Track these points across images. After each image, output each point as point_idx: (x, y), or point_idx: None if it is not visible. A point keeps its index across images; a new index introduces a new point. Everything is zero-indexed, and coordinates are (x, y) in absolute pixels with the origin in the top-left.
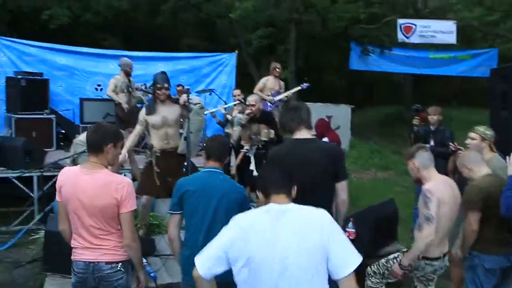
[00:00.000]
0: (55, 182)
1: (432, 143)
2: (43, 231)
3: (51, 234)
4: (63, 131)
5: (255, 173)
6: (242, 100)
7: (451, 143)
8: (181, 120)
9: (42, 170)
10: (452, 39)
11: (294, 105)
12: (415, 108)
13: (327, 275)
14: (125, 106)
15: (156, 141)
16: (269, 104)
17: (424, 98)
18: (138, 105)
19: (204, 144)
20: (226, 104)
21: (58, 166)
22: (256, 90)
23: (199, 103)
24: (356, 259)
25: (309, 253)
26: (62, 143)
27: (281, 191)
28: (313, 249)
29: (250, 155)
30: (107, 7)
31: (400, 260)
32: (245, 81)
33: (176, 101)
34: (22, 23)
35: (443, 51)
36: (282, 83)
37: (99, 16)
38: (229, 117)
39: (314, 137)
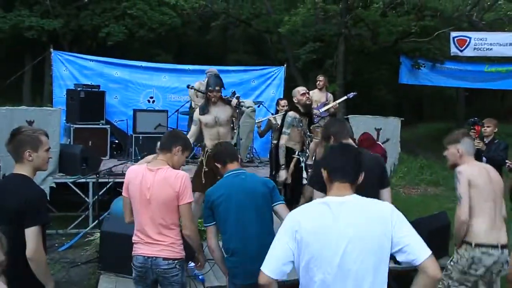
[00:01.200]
0: (109, 188)
1: (483, 158)
2: (98, 233)
3: (106, 234)
4: (117, 141)
5: (305, 181)
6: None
7: (508, 161)
8: (233, 122)
9: (97, 176)
10: (510, 51)
11: (341, 118)
12: (472, 121)
13: (387, 268)
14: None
15: (208, 140)
16: (314, 116)
17: (478, 114)
18: None
19: (213, 156)
20: (272, 115)
21: (112, 173)
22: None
23: (251, 107)
24: (427, 247)
25: (370, 245)
26: (115, 152)
27: (347, 179)
28: (375, 241)
29: (302, 161)
30: (160, 24)
31: (451, 258)
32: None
33: (228, 102)
34: (82, 40)
35: (500, 65)
36: (330, 95)
37: (152, 32)
38: (273, 121)
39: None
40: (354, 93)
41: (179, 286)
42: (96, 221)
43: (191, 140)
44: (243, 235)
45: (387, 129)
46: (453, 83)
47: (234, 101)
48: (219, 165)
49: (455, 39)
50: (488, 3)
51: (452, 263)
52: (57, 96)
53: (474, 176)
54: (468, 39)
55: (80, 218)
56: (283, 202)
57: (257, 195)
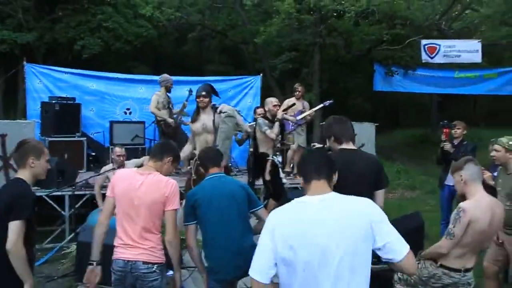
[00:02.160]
0: (86, 201)
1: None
2: (75, 245)
3: (83, 245)
4: (93, 153)
5: (284, 180)
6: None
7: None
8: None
9: (74, 189)
10: (477, 58)
11: (344, 118)
12: (441, 124)
13: (370, 264)
14: (170, 120)
15: (197, 148)
16: (291, 123)
17: (451, 120)
18: (183, 119)
19: (197, 160)
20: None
21: (88, 186)
22: (280, 111)
23: (226, 112)
24: (405, 243)
25: (350, 241)
26: (92, 165)
27: (322, 177)
28: (355, 237)
29: (278, 162)
30: (136, 36)
31: (418, 262)
32: None
33: (215, 109)
34: (57, 53)
35: (469, 70)
36: (306, 103)
37: (129, 44)
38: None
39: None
40: (331, 101)
41: None
42: (73, 234)
43: (191, 149)
44: (225, 232)
45: (362, 135)
46: (425, 89)
47: (220, 108)
48: (202, 169)
49: (426, 46)
50: (456, 13)
51: (417, 265)
52: (31, 109)
53: (476, 219)
54: (438, 47)
55: (56, 232)
56: (263, 206)
57: (236, 196)
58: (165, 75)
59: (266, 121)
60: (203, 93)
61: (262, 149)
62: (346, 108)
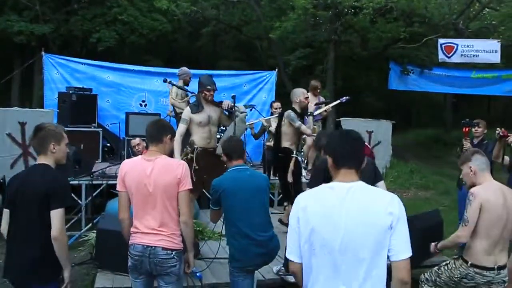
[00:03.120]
0: (102, 191)
1: None
2: (93, 233)
3: (103, 232)
4: (109, 144)
5: (304, 180)
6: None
7: (498, 128)
8: (223, 126)
9: (91, 177)
10: (496, 58)
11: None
12: (463, 123)
13: (386, 256)
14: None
15: (199, 139)
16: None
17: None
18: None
19: (222, 148)
20: (264, 117)
21: (105, 176)
22: (312, 104)
23: (245, 112)
24: (410, 249)
25: (371, 232)
26: (107, 156)
27: (353, 165)
28: (376, 229)
29: (300, 160)
30: (151, 29)
31: (448, 262)
32: (283, 101)
33: (217, 104)
34: (72, 45)
35: (486, 71)
36: (322, 99)
37: (143, 38)
38: (271, 129)
39: None
40: (347, 97)
41: (175, 278)
42: (90, 224)
43: (180, 139)
44: (248, 222)
45: (379, 132)
46: (441, 89)
47: (226, 104)
48: (225, 159)
49: (443, 45)
50: (473, 13)
51: (446, 266)
52: (48, 99)
53: (487, 200)
54: (455, 46)
55: (73, 221)
56: None
57: (260, 188)
58: (184, 68)
59: (296, 114)
60: (214, 86)
61: (285, 144)
62: (359, 106)
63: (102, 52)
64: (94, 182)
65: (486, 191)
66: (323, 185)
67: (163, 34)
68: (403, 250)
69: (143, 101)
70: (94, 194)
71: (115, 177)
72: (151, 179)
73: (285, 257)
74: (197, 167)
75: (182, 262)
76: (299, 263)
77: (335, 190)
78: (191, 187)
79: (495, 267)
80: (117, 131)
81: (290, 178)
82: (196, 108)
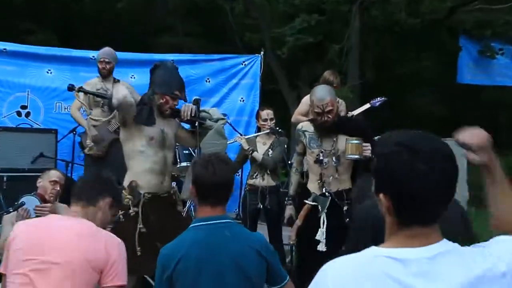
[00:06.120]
0: None
1: None
2: None
3: None
4: None
5: (322, 247)
6: (278, 130)
7: None
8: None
9: None
10: None
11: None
12: None
13: None
14: (92, 133)
15: (145, 179)
16: None
17: None
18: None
19: (194, 173)
20: (244, 136)
21: None
22: (296, 116)
23: (222, 118)
24: None
25: None
26: None
27: (432, 220)
28: None
29: (321, 210)
30: None
31: None
32: (270, 101)
33: (173, 114)
34: None
35: None
36: (342, 102)
37: None
38: (256, 155)
39: None
40: (382, 98)
41: None
42: None
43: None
44: None
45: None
46: None
47: (186, 111)
48: (196, 202)
49: None
50: None
51: None
52: None
53: None
54: None
55: None
56: (288, 279)
57: (246, 267)
58: (108, 48)
59: (306, 132)
60: (183, 92)
61: (310, 185)
62: (403, 111)
63: None
64: None
65: None
66: (380, 253)
67: None
68: None
69: (24, 107)
70: None
71: None
72: (57, 245)
73: None
74: (144, 230)
75: None
76: None
77: (405, 263)
78: (125, 283)
79: None
80: None
81: (292, 237)
82: (145, 118)
